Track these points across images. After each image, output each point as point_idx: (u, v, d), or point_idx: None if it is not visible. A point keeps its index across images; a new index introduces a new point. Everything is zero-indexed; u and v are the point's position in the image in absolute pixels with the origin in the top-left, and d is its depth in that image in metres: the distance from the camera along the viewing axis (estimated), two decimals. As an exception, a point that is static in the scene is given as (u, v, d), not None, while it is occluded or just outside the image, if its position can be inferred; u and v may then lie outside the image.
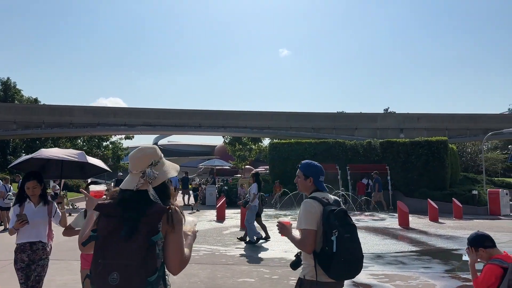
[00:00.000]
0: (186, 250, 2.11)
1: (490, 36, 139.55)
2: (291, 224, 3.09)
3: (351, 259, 2.77)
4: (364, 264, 2.93)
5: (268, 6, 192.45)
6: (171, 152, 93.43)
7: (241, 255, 8.92)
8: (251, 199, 10.62)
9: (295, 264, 3.03)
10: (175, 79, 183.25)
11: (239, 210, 18.31)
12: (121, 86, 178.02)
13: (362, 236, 11.20)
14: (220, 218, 15.00)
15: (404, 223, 13.34)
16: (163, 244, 2.04)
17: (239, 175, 31.99)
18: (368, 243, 10.16)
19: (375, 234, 11.76)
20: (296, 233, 2.97)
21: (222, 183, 27.96)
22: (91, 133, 29.30)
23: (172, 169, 2.23)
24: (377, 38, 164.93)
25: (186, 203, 23.32)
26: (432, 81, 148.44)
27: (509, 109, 61.17)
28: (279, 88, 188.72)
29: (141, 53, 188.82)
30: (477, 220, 15.77)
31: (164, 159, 2.25)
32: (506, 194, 18.66)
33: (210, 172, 28.22)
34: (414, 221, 15.12)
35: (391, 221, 14.73)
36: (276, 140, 27.37)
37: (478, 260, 3.28)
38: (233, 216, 15.60)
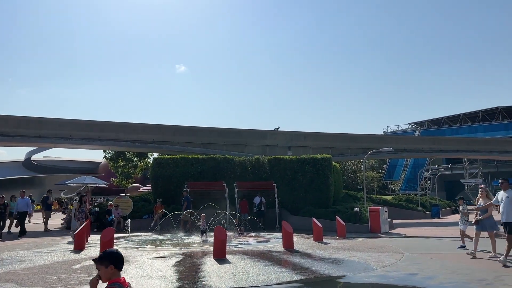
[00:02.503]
0: None
1: (366, 64, 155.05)
2: None
3: None
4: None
5: (168, 21, 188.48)
6: (48, 168, 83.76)
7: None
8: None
9: None
10: (59, 90, 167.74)
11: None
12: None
13: (244, 263, 9.82)
14: (78, 247, 12.36)
15: (288, 245, 12.31)
16: None
17: (123, 194, 28.82)
18: (248, 272, 8.75)
19: (257, 259, 10.44)
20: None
21: (95, 204, 24.69)
22: None
23: None
24: (267, 59, 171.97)
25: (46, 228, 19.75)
26: (318, 102, 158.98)
27: (383, 131, 67.09)
28: (172, 104, 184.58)
29: (21, 60, 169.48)
30: (360, 239, 15.56)
31: None
32: (385, 211, 19.11)
33: (78, 191, 24.71)
34: (299, 241, 14.30)
35: (275, 243, 13.67)
36: (160, 155, 25.10)
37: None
38: (98, 244, 13.03)
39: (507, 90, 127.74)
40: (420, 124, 67.46)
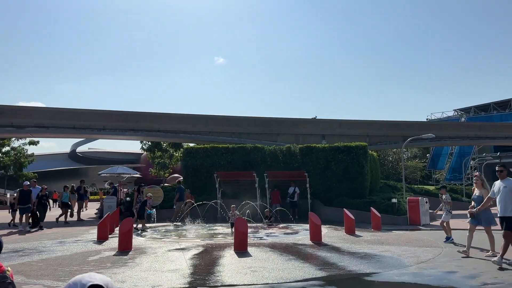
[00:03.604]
0: None
1: (412, 51, 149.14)
2: None
3: None
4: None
5: (205, 13, 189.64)
6: (92, 160, 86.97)
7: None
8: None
9: None
10: (100, 83, 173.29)
11: (139, 226, 15.67)
12: (41, 90, 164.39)
13: (265, 256, 9.19)
14: (102, 237, 12.20)
15: (316, 238, 11.56)
16: None
17: (166, 184, 28.99)
18: (267, 267, 8.13)
19: (280, 253, 9.78)
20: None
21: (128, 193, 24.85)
22: (-32, 136, 24.72)
23: None
24: (305, 49, 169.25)
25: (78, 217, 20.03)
26: (355, 90, 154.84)
27: (427, 119, 64.00)
28: (210, 96, 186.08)
29: (65, 56, 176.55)
30: (396, 232, 14.51)
31: None
32: (426, 202, 17.87)
33: (118, 180, 24.92)
34: (330, 233, 13.50)
35: (304, 235, 12.93)
36: (191, 145, 24.88)
37: None
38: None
39: None
40: (466, 110, 63.77)
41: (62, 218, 18.94)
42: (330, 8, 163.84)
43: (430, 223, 17.38)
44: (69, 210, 19.43)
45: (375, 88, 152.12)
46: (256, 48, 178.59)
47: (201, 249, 10.50)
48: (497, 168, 8.56)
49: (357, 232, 13.44)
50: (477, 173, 9.85)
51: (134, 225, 15.11)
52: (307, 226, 15.41)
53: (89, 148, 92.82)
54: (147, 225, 16.35)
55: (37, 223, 16.19)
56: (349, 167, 20.48)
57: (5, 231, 15.52)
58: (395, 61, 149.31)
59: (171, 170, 47.29)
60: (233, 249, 10.05)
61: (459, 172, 53.66)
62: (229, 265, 8.38)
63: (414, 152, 70.59)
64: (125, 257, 9.38)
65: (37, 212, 16.25)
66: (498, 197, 8.25)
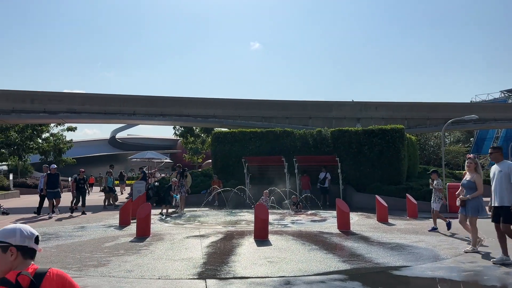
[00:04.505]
0: None
1: (457, 30, 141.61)
2: None
3: None
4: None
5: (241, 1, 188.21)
6: (131, 146, 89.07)
7: None
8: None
9: None
10: (141, 70, 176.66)
11: (163, 211, 15.45)
12: (85, 78, 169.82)
13: (286, 246, 8.59)
14: (123, 223, 12.01)
15: (343, 226, 10.81)
16: None
17: (199, 170, 28.91)
18: (286, 258, 7.52)
19: (303, 242, 9.14)
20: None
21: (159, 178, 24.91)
22: (5, 121, 25.44)
23: None
24: (342, 32, 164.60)
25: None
26: (397, 71, 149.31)
27: (471, 101, 60.64)
28: (247, 80, 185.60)
29: (108, 44, 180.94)
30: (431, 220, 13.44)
31: None
32: (467, 188, 16.54)
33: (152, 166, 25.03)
34: (360, 222, 12.70)
35: (332, 223, 12.17)
36: (219, 130, 24.48)
37: None
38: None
39: None
40: (514, 91, 59.87)
41: (107, 202, 19.12)
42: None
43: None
44: (114, 194, 19.57)
45: (416, 70, 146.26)
46: (291, 33, 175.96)
47: (220, 236, 10.02)
48: (489, 150, 7.44)
49: (390, 220, 12.55)
50: (470, 155, 8.32)
51: (164, 210, 14.92)
52: (336, 213, 14.69)
53: (128, 135, 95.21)
54: (185, 209, 16.05)
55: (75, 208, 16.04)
56: (384, 152, 19.36)
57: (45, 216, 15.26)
58: (436, 41, 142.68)
59: (204, 156, 47.39)
60: (253, 236, 9.50)
61: (505, 157, 50.60)
62: (245, 255, 7.84)
63: (457, 137, 67.27)
64: (141, 243, 9.05)
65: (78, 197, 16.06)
66: (493, 183, 7.08)
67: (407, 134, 22.20)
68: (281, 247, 8.50)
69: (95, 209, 18.20)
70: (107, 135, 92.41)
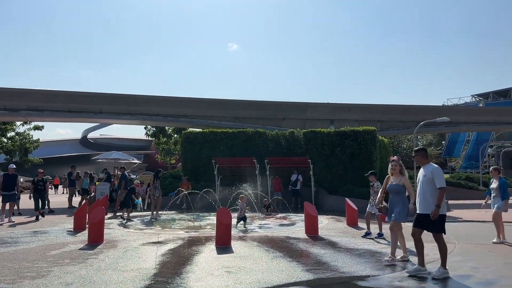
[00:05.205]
0: None
1: (431, 35, 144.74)
2: None
3: None
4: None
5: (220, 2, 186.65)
6: (103, 146, 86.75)
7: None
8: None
9: None
10: (118, 70, 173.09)
11: (124, 215, 14.65)
12: (62, 78, 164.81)
13: (249, 253, 8.04)
14: (78, 228, 11.19)
15: (311, 231, 10.34)
16: None
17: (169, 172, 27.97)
18: (247, 267, 6.95)
19: (267, 249, 8.60)
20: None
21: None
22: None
23: None
24: (318, 34, 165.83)
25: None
26: (372, 73, 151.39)
27: (443, 104, 61.74)
28: (225, 82, 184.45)
29: (85, 45, 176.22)
30: (405, 224, 13.14)
31: None
32: (437, 191, 16.42)
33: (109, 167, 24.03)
34: (330, 225, 12.28)
35: (300, 227, 11.68)
36: (191, 130, 23.76)
37: None
38: (106, 223, 11.79)
39: None
40: (484, 96, 61.37)
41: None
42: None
43: (446, 213, 15.93)
44: (89, 197, 18.63)
45: (389, 73, 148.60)
46: (269, 34, 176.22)
47: (180, 242, 9.37)
48: (413, 154, 6.90)
49: (360, 224, 12.17)
50: (394, 157, 7.54)
51: (125, 214, 14.10)
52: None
53: (100, 135, 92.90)
54: (147, 212, 15.28)
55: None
56: (356, 153, 19.10)
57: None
58: (410, 45, 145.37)
59: (177, 157, 46.42)
60: (215, 243, 8.90)
61: (475, 160, 51.59)
62: (203, 264, 7.23)
63: (430, 140, 68.45)
64: (91, 251, 8.31)
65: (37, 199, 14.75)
66: (418, 188, 6.56)
67: (380, 136, 22.06)
68: (243, 255, 7.93)
69: (57, 211, 17.26)
70: (80, 135, 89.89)
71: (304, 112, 27.68)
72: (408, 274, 6.49)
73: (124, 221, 13.56)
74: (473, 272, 6.72)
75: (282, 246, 8.91)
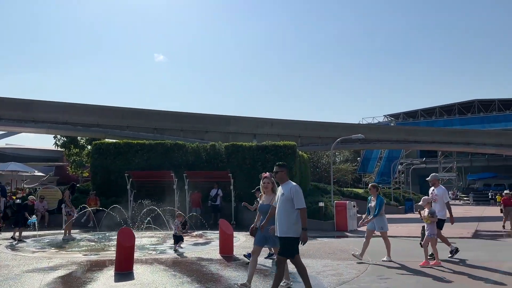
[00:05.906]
0: None
1: (348, 56, 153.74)
2: None
3: None
4: None
5: (145, 11, 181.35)
6: (9, 156, 78.75)
7: None
8: None
9: None
10: (39, 75, 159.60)
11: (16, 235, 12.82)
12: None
13: (151, 280, 7.13)
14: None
15: (226, 251, 9.68)
16: None
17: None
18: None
19: (174, 273, 7.75)
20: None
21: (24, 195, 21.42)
22: None
23: None
24: (245, 49, 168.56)
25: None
26: (289, 92, 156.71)
27: (359, 123, 65.27)
28: (151, 92, 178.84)
29: (2, 47, 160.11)
30: (320, 239, 13.07)
31: None
32: (354, 206, 16.76)
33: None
34: (246, 243, 11.73)
35: (215, 246, 10.94)
36: (105, 141, 22.05)
37: None
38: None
39: (483, 83, 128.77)
40: (395, 116, 66.08)
41: None
42: (272, 8, 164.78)
43: (358, 228, 16.25)
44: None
45: (310, 91, 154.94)
46: (196, 46, 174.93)
47: (74, 268, 8.16)
48: (275, 169, 6.07)
49: (277, 242, 11.74)
50: (266, 173, 6.78)
51: (17, 234, 12.33)
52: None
53: (6, 144, 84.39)
54: (47, 231, 13.50)
55: None
56: (276, 168, 18.93)
57: None
58: (331, 65, 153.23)
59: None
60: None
61: (387, 176, 54.95)
62: (94, 295, 6.20)
63: (346, 156, 71.88)
64: (-45, 283, 6.82)
65: None
66: (277, 209, 5.89)
67: (300, 152, 22.24)
68: (144, 282, 7.00)
69: None
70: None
71: (227, 125, 27.22)
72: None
73: (14, 242, 11.83)
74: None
75: (192, 270, 8.11)
